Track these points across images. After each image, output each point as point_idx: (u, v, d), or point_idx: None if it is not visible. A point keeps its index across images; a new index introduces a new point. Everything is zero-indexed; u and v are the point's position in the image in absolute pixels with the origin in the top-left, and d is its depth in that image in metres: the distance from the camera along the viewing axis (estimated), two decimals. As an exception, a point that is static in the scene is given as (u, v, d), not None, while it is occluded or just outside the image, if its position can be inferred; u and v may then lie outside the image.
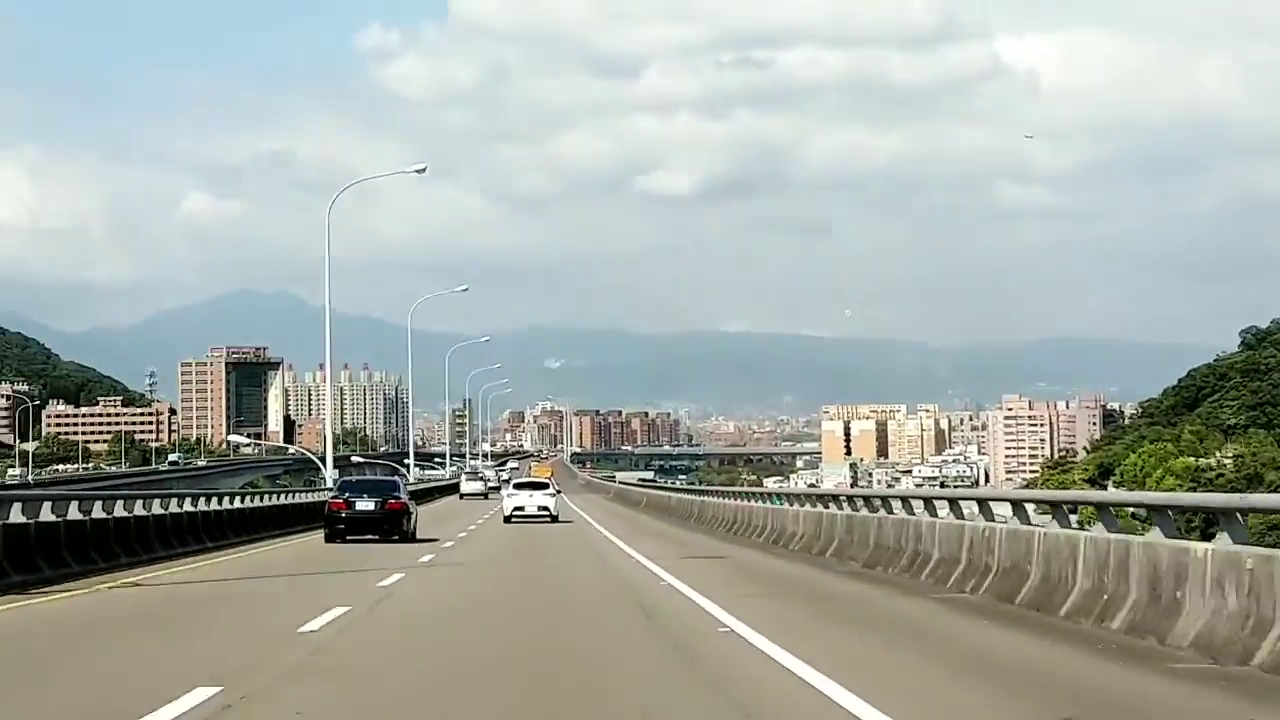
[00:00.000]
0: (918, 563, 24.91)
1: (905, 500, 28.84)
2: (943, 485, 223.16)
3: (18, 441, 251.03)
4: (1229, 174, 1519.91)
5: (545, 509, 59.46)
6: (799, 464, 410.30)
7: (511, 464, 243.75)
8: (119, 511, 30.97)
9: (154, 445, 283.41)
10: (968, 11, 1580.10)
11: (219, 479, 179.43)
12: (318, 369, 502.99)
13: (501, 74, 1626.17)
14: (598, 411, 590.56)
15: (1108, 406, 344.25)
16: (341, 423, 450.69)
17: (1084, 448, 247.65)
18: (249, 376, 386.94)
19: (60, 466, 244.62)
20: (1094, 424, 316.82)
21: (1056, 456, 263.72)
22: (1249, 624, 13.49)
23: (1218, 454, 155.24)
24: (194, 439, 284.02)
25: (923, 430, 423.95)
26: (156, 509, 34.06)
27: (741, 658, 14.74)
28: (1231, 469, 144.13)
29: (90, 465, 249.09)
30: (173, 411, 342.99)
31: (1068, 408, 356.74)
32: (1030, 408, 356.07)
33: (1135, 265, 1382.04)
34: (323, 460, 65.77)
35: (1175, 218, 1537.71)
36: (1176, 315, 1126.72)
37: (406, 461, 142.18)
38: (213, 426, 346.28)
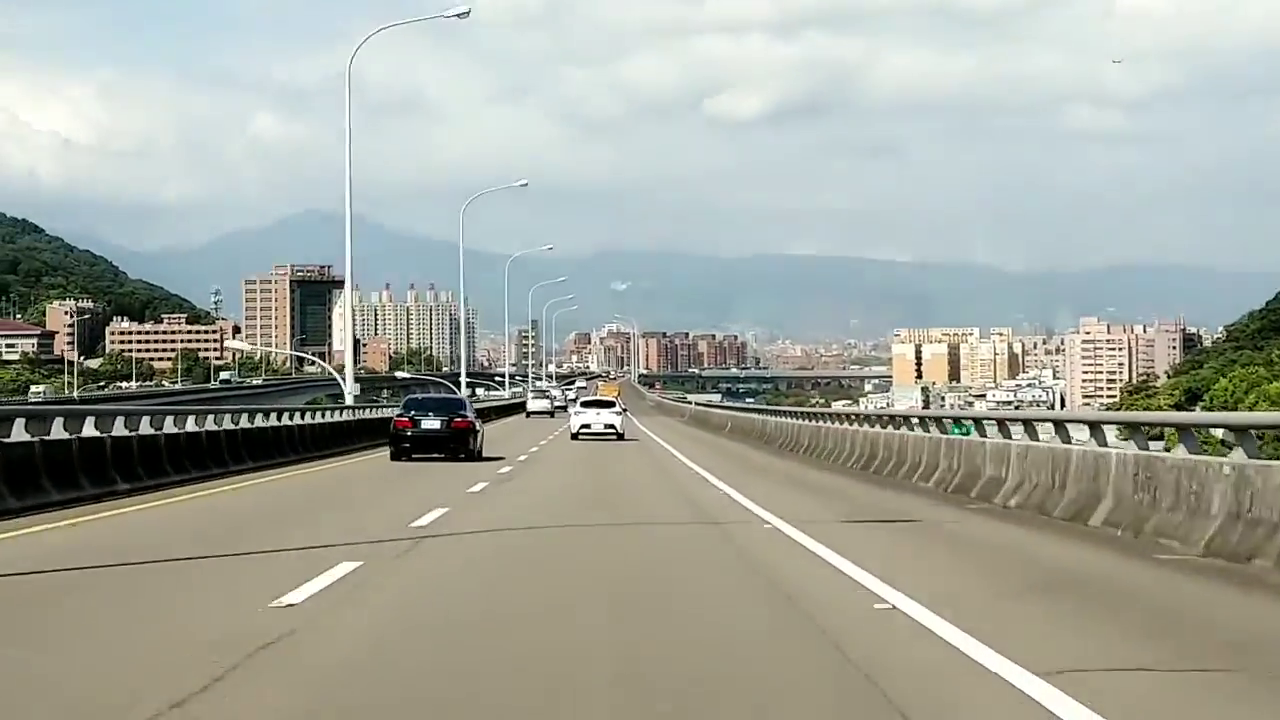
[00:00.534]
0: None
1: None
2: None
3: (79, 358, 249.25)
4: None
5: (611, 426, 60.90)
6: (867, 388, 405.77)
7: (580, 383, 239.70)
8: (170, 428, 29.86)
9: (216, 363, 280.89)
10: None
11: (278, 398, 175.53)
12: (384, 288, 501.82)
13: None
14: (664, 334, 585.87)
15: (1188, 330, 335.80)
16: (408, 342, 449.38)
17: (1165, 372, 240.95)
18: (314, 295, 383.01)
19: (123, 384, 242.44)
20: (1174, 348, 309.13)
21: (1136, 381, 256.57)
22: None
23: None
24: (257, 357, 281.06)
25: (995, 354, 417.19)
26: (210, 425, 33.34)
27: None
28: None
29: (153, 383, 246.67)
30: (237, 330, 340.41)
31: (1145, 331, 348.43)
32: (1108, 331, 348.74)
33: (1209, 191, 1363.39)
34: (343, 376, 61.59)
35: (1250, 142, 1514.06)
36: (1250, 241, 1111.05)
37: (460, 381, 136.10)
38: (277, 344, 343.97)
